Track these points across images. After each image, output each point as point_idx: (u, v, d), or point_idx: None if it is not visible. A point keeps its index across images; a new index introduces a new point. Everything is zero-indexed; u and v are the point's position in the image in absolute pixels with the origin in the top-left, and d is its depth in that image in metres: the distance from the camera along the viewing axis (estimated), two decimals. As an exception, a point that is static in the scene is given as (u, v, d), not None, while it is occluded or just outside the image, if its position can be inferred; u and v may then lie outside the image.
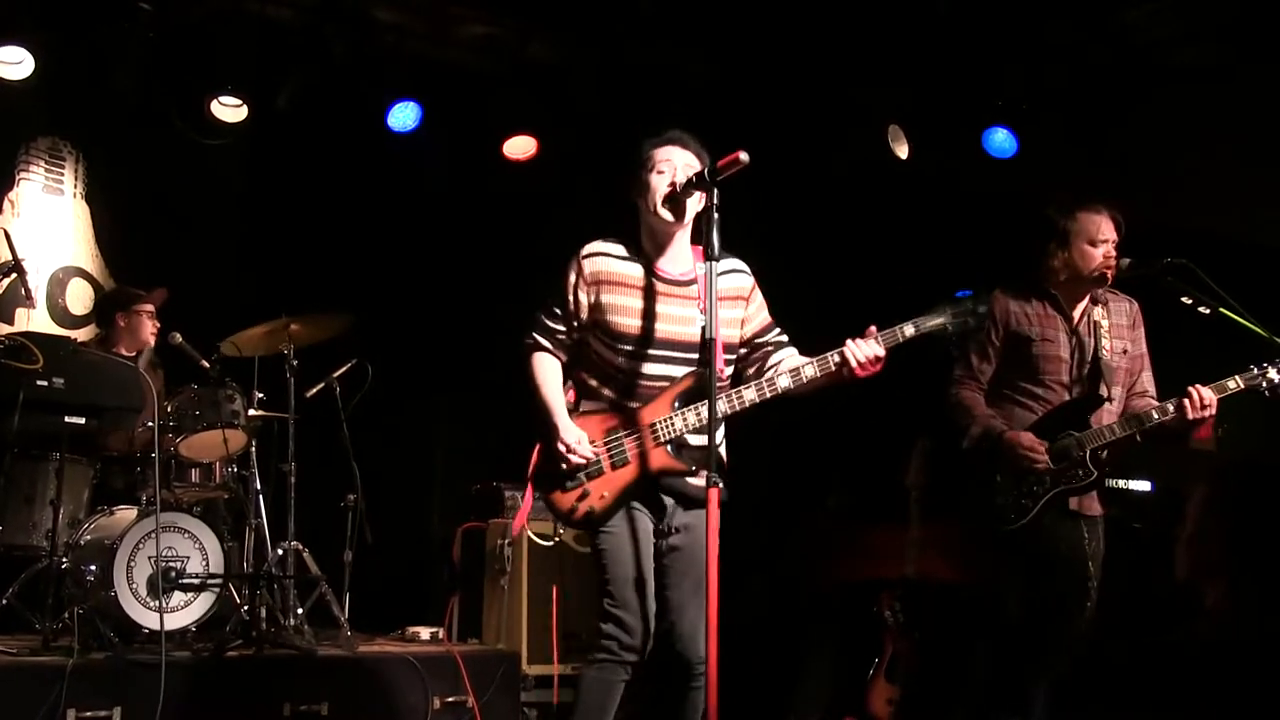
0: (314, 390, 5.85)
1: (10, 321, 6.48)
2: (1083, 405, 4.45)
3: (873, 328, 3.62)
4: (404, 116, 6.72)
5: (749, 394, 3.60)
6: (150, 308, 5.89)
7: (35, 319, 6.55)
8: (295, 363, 5.65)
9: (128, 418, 5.26)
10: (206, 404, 5.37)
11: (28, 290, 5.14)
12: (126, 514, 5.21)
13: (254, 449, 5.67)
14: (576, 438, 3.59)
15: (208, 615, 5.14)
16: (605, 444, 3.62)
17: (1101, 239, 4.38)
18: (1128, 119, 6.69)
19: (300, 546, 5.61)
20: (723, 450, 3.66)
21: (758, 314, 3.82)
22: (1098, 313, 4.49)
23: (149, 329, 5.86)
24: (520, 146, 7.03)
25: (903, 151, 6.86)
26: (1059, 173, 7.23)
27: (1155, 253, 4.17)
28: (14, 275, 5.08)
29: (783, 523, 7.03)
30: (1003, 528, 4.35)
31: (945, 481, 4.70)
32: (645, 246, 3.72)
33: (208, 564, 5.18)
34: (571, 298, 3.67)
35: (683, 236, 3.73)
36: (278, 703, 4.87)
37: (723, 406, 3.57)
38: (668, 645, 3.64)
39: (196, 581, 5.12)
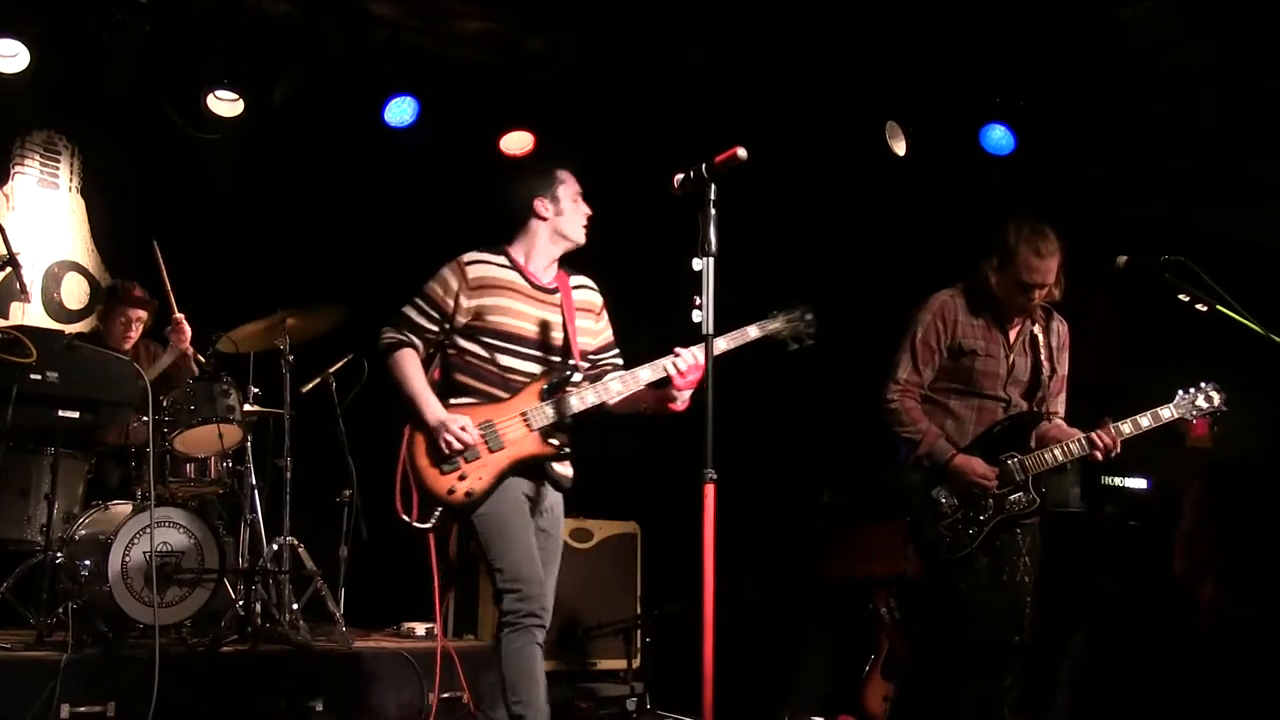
0: (309, 386, 5.85)
1: (5, 316, 6.46)
2: (1024, 422, 4.46)
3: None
4: (401, 111, 6.70)
5: (589, 395, 3.98)
6: (144, 314, 5.89)
7: (30, 313, 6.54)
8: (291, 358, 5.65)
9: (122, 412, 5.25)
10: (202, 399, 5.36)
11: (23, 284, 5.13)
12: (121, 509, 5.20)
13: (249, 444, 5.66)
14: (462, 422, 3.88)
15: (202, 610, 5.14)
16: (481, 430, 3.91)
17: (1031, 282, 4.36)
18: (1125, 116, 6.69)
19: (295, 542, 5.60)
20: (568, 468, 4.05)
21: (605, 331, 4.26)
22: (1036, 329, 4.51)
23: (133, 333, 5.86)
24: (517, 142, 7.02)
25: (900, 148, 6.86)
26: (1057, 170, 7.24)
27: (1152, 249, 4.16)
28: (9, 269, 5.07)
29: (779, 519, 7.03)
30: (946, 556, 4.36)
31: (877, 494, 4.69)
32: (516, 255, 4.12)
33: (203, 559, 5.17)
34: (452, 301, 4.00)
35: (557, 252, 4.14)
36: (273, 698, 4.86)
37: (576, 403, 3.96)
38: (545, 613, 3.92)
39: (191, 577, 5.12)
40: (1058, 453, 4.37)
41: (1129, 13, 6.08)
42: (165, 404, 5.33)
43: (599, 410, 4.04)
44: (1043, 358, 4.50)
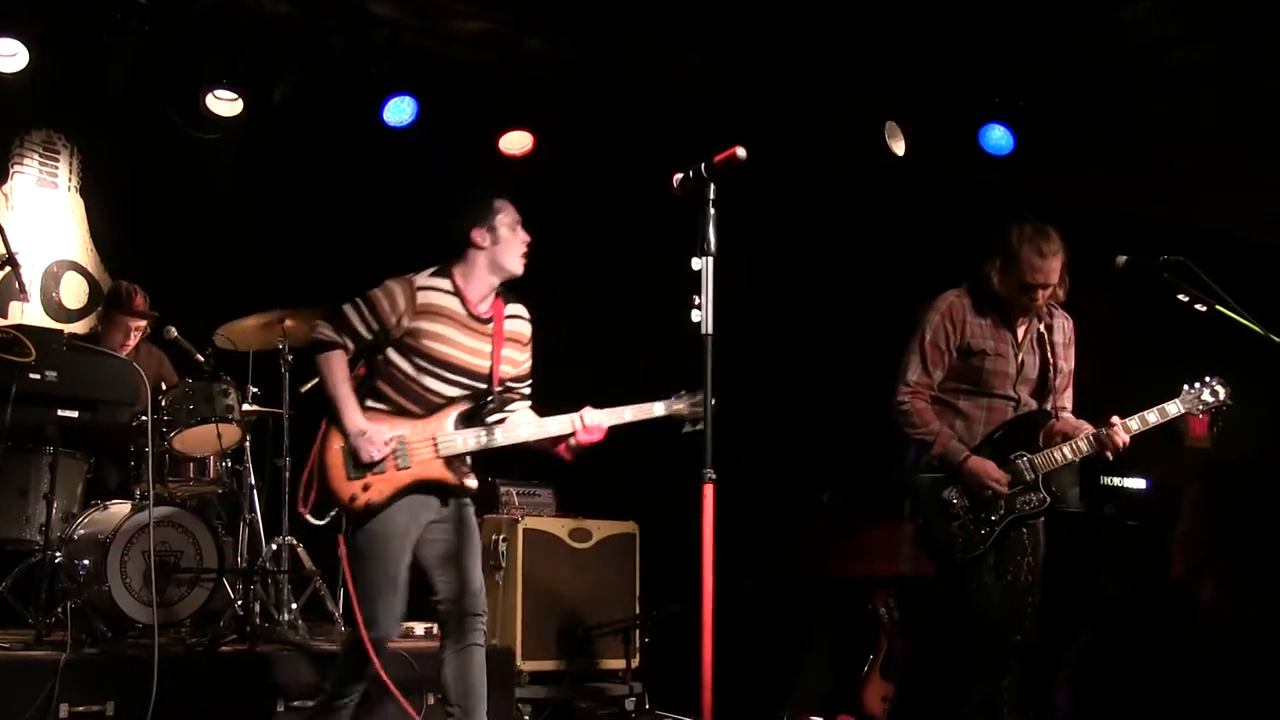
0: (308, 385, 5.84)
1: (4, 315, 6.46)
2: (1033, 421, 4.45)
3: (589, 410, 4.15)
4: (400, 111, 6.69)
5: (499, 436, 4.15)
6: (144, 323, 5.89)
7: (29, 313, 6.53)
8: (290, 358, 5.64)
9: (121, 412, 5.25)
10: (201, 399, 5.36)
11: (22, 284, 5.13)
12: (120, 508, 5.20)
13: (248, 444, 5.66)
14: (383, 435, 4.03)
15: (201, 610, 5.14)
16: (392, 445, 4.06)
17: (1033, 282, 4.34)
18: (1125, 116, 6.69)
19: (294, 541, 5.60)
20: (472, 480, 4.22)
21: (526, 362, 4.37)
22: (1042, 327, 4.50)
23: (122, 338, 5.84)
24: (517, 142, 7.02)
25: (899, 148, 6.85)
26: (1057, 170, 7.23)
27: (1152, 248, 4.16)
28: (8, 269, 5.06)
29: (778, 519, 7.02)
30: (959, 557, 4.34)
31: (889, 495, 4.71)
32: (458, 281, 4.22)
33: (201, 559, 5.17)
34: (395, 319, 4.09)
35: (495, 281, 4.26)
36: (271, 698, 4.86)
37: (485, 439, 4.13)
38: (460, 602, 4.14)
39: (190, 576, 5.12)
40: (1067, 451, 4.37)
41: (1129, 13, 6.07)
42: (164, 404, 5.32)
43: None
44: (1050, 355, 4.49)
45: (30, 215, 6.66)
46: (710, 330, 3.42)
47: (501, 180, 6.92)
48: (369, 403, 4.14)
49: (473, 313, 4.22)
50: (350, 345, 4.13)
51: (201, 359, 5.58)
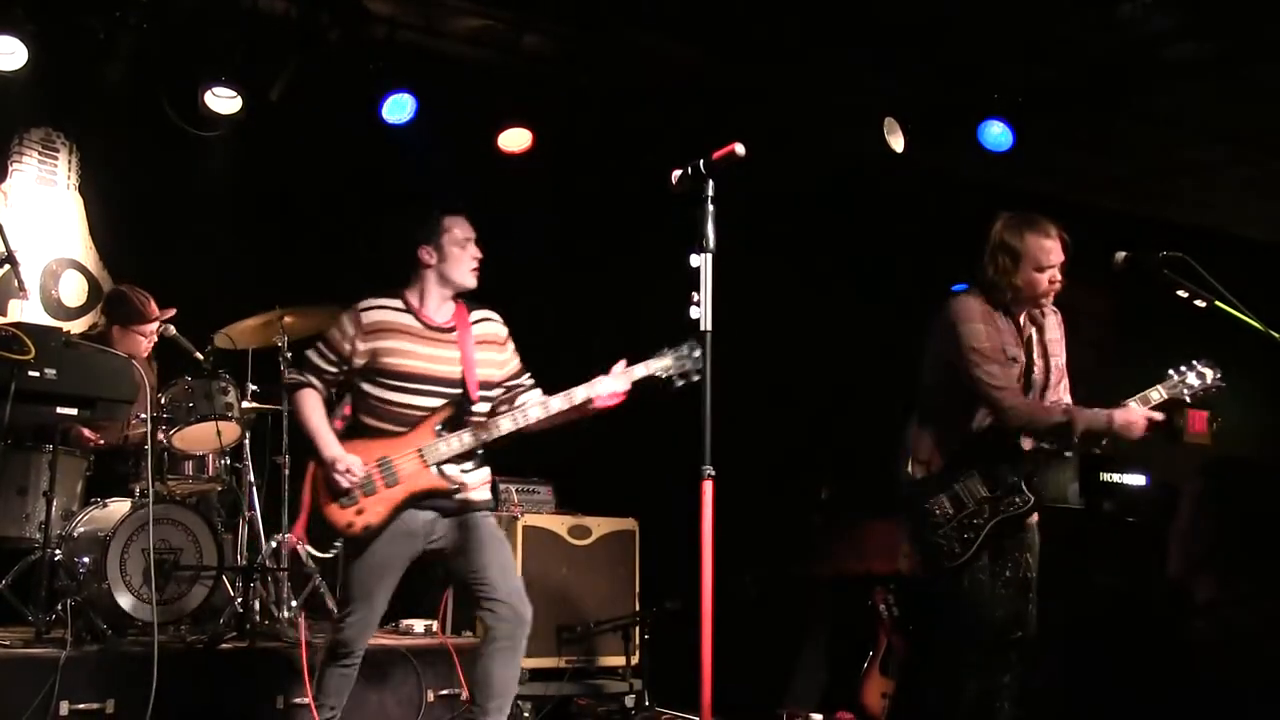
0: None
1: (3, 313, 6.46)
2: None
3: (622, 362, 4.21)
4: (399, 108, 6.69)
5: (505, 423, 4.19)
6: (155, 326, 5.87)
7: (28, 310, 6.52)
8: (289, 355, 5.64)
9: (120, 410, 5.24)
10: (200, 396, 5.36)
11: (21, 282, 5.12)
12: (120, 506, 5.20)
13: (247, 441, 5.66)
14: (350, 462, 4.11)
15: (200, 607, 5.14)
16: (379, 466, 4.15)
17: (1048, 264, 4.33)
18: (1123, 112, 6.69)
19: (294, 539, 5.60)
20: (486, 474, 4.29)
21: (511, 359, 4.41)
22: (1037, 327, 4.50)
23: (145, 345, 5.82)
24: (516, 139, 7.02)
25: (898, 144, 6.85)
26: (1055, 167, 7.23)
27: (1151, 245, 4.15)
28: (8, 267, 5.06)
29: (777, 515, 7.03)
30: (948, 564, 4.34)
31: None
32: (411, 299, 4.31)
33: (201, 556, 5.17)
34: (349, 345, 4.22)
35: (448, 294, 4.33)
36: (271, 695, 4.86)
37: (481, 436, 4.18)
38: (493, 606, 4.22)
39: (190, 574, 5.12)
40: (1046, 446, 4.36)
41: (1126, 9, 6.07)
42: (163, 402, 5.32)
43: (516, 433, 4.24)
44: (1051, 352, 4.49)
45: (29, 213, 6.66)
46: (709, 327, 3.42)
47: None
48: (360, 436, 4.23)
49: (429, 324, 4.28)
50: (316, 382, 4.27)
51: (200, 357, 5.58)
